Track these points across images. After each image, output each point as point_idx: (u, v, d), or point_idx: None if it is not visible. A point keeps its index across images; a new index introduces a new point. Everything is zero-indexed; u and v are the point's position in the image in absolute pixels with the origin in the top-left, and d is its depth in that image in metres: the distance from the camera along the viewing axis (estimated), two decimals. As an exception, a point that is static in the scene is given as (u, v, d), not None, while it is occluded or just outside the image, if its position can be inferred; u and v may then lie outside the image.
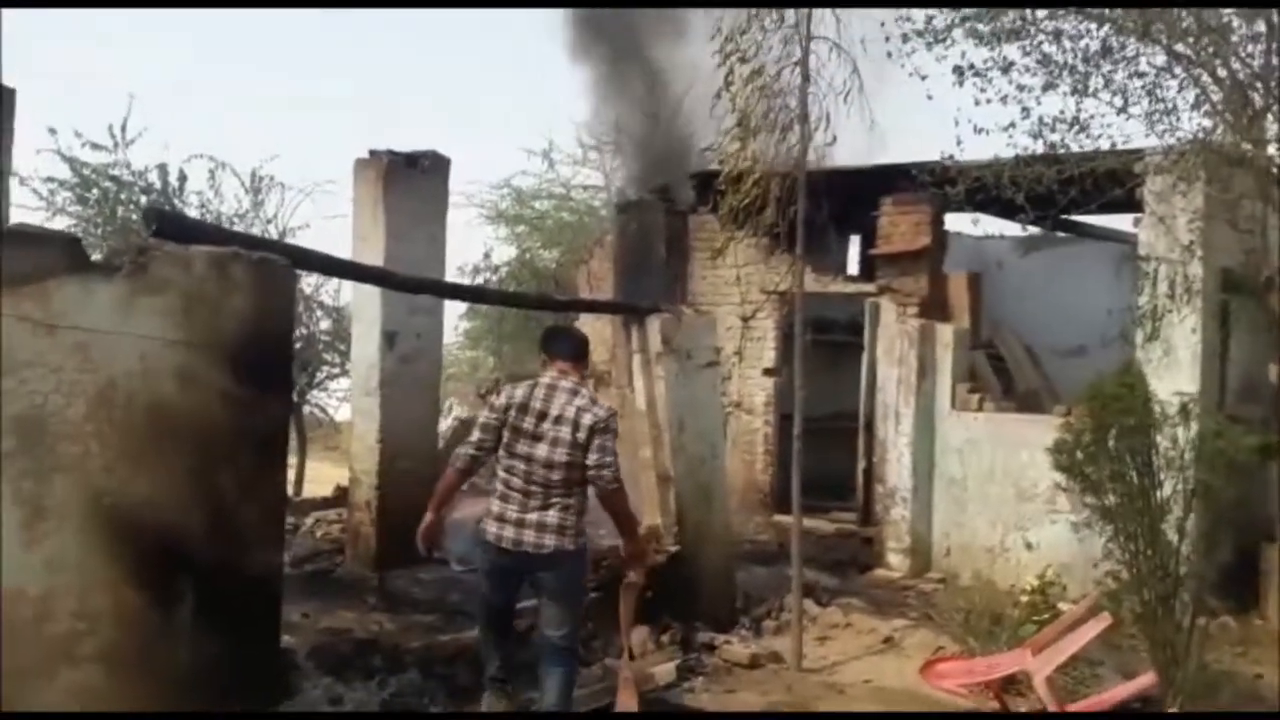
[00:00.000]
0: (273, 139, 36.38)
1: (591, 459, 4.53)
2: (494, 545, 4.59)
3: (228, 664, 4.04)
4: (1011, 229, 11.28)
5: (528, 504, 4.54)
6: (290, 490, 11.62)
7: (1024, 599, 6.36)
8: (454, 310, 14.94)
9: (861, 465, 9.75)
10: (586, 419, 4.55)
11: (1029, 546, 8.32)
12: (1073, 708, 5.38)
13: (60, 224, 10.47)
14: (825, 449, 9.95)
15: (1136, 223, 8.18)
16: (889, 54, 7.28)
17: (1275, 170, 6.90)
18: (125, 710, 3.74)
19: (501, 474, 4.62)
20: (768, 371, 10.80)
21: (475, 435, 4.69)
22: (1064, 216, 8.92)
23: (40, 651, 3.58)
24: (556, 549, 4.54)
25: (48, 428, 3.59)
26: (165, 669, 3.87)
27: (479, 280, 15.45)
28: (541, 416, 4.56)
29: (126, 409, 3.78)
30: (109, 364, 3.73)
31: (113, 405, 3.74)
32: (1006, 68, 6.87)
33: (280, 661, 4.55)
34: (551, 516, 4.54)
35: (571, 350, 4.82)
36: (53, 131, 10.49)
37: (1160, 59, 6.96)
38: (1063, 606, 6.13)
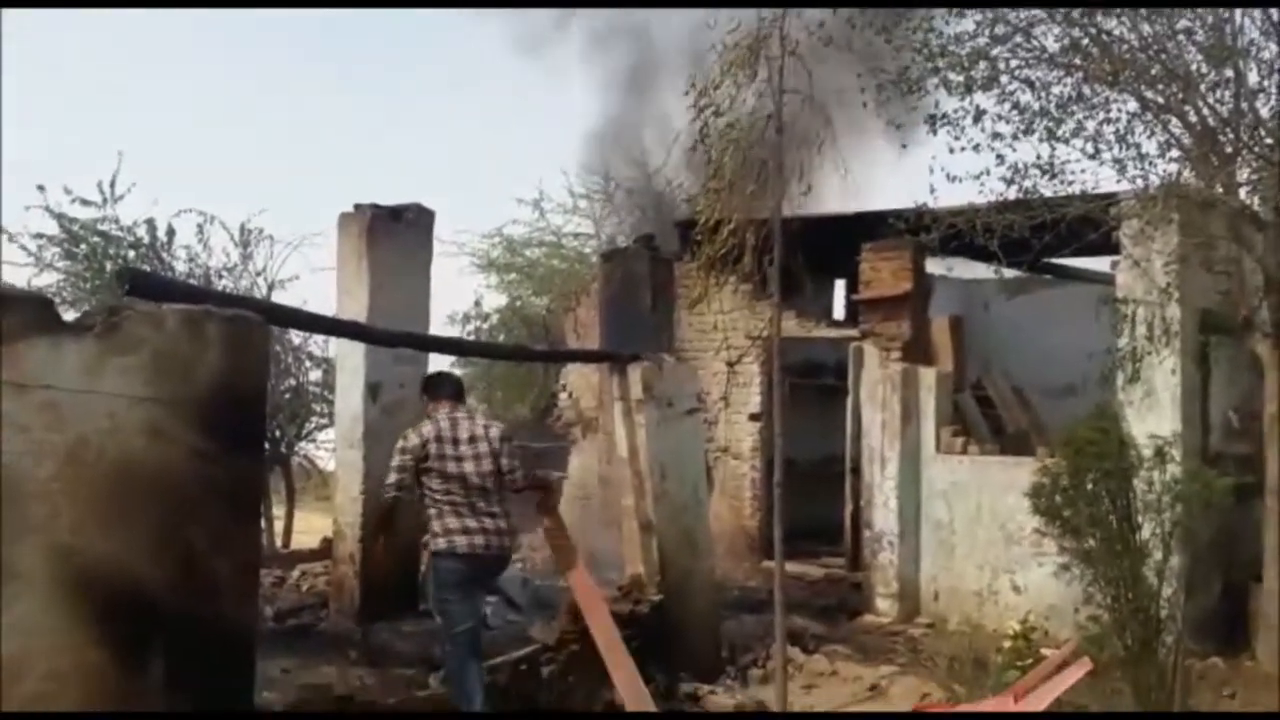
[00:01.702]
0: (263, 191, 36.65)
1: (504, 464, 5.40)
2: (469, 555, 5.23)
3: (200, 723, 4.02)
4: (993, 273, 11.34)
5: (478, 510, 5.29)
6: (279, 542, 11.59)
7: (1007, 644, 6.33)
8: (443, 358, 15.03)
9: (849, 509, 9.75)
10: (494, 432, 5.48)
11: (1017, 589, 8.29)
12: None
13: (48, 279, 10.56)
14: (815, 493, 9.98)
15: (1114, 265, 8.25)
16: (864, 104, 7.40)
17: (1247, 213, 6.99)
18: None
19: (441, 497, 5.27)
20: (753, 417, 10.83)
21: (393, 477, 5.34)
22: (1045, 260, 9.00)
23: (10, 715, 3.56)
24: (510, 550, 5.61)
25: (17, 488, 3.60)
26: (136, 730, 3.86)
27: (469, 328, 15.55)
28: (456, 441, 5.33)
29: (96, 467, 3.79)
30: (79, 423, 3.74)
31: (82, 464, 3.75)
32: (978, 116, 6.98)
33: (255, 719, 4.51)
34: (502, 523, 5.38)
35: (453, 391, 5.70)
36: (41, 188, 10.60)
37: (1131, 105, 7.07)
38: (1046, 651, 6.09)
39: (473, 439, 5.36)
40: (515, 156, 32.74)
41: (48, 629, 3.66)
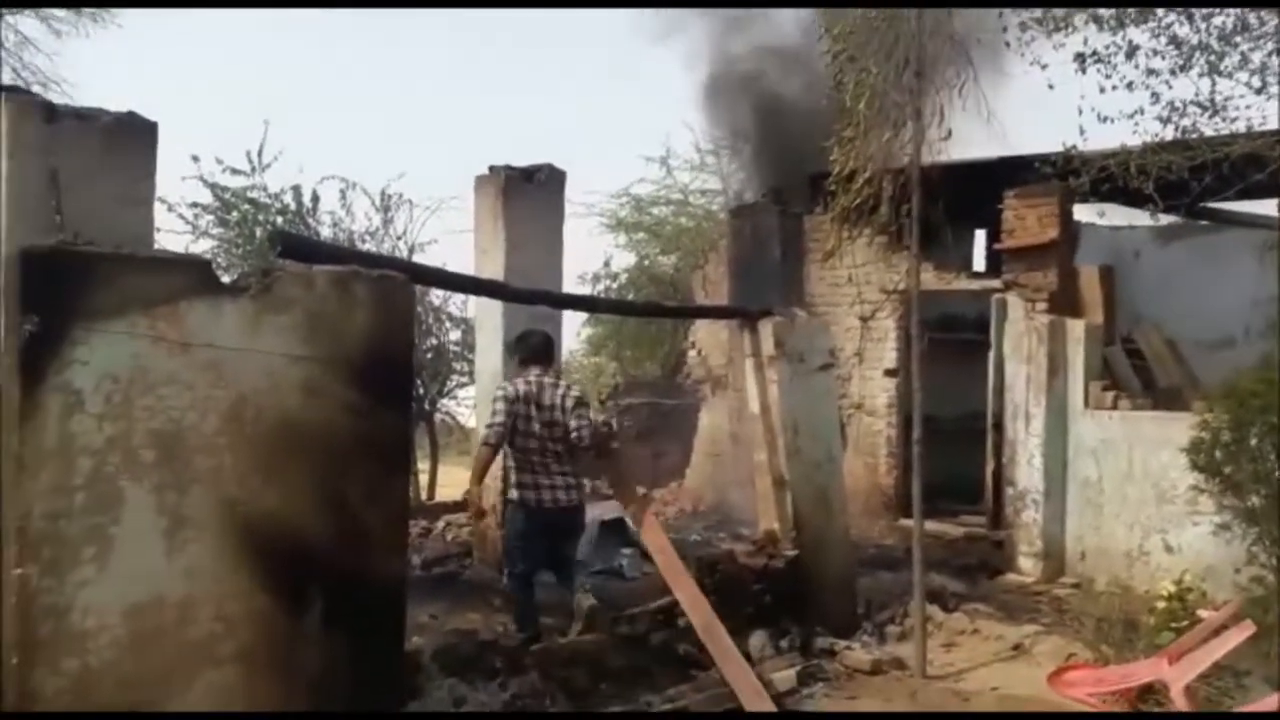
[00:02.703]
0: (401, 156, 37.53)
1: (572, 423, 5.88)
2: (537, 509, 5.88)
3: (355, 666, 4.23)
4: (1150, 218, 10.78)
5: (550, 470, 5.87)
6: (424, 495, 12.00)
7: (1161, 605, 6.07)
8: (575, 318, 15.20)
9: (990, 467, 9.47)
10: (569, 402, 5.93)
11: (1169, 550, 7.93)
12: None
13: (203, 246, 11.04)
14: (954, 451, 9.71)
15: (1280, 207, 7.73)
16: (1007, 44, 7.09)
17: None
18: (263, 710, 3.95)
19: (519, 455, 5.88)
20: (889, 372, 10.60)
21: (499, 420, 5.82)
22: (1202, 204, 8.50)
23: (182, 654, 3.81)
24: (579, 502, 6.06)
25: (184, 442, 3.82)
26: (298, 670, 4.08)
27: (599, 287, 15.66)
28: (539, 406, 5.88)
29: (256, 423, 3.99)
30: (239, 380, 3.95)
31: (243, 419, 3.96)
32: (1131, 52, 6.60)
33: (406, 663, 4.70)
34: (571, 480, 5.96)
35: (537, 351, 6.10)
36: (195, 159, 11.08)
37: (1304, 33, 6.57)
38: (1203, 613, 5.83)
39: (552, 406, 5.89)
40: (643, 114, 32.61)
41: (217, 574, 3.89)
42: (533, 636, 5.77)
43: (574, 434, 5.87)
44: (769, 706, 5.28)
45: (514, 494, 5.95)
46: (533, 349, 6.10)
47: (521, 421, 5.82)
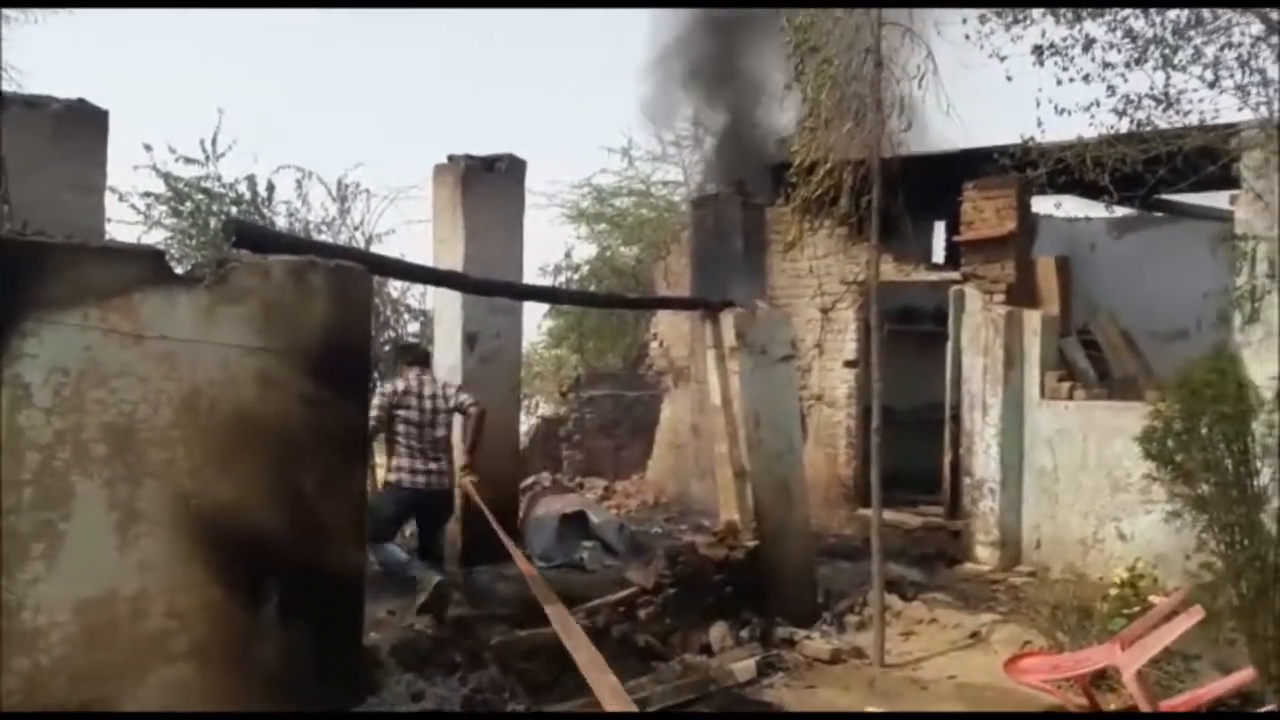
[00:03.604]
0: (358, 146, 37.07)
1: (463, 398, 6.60)
2: (411, 489, 6.48)
3: (312, 660, 4.18)
4: (1105, 210, 10.91)
5: (426, 456, 6.50)
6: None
7: (1114, 592, 6.17)
8: (536, 310, 15.11)
9: (948, 457, 9.58)
10: (450, 389, 6.71)
11: (1123, 538, 8.06)
12: (1166, 705, 5.21)
13: (156, 237, 10.84)
14: (913, 442, 9.81)
15: (1233, 200, 7.85)
16: (966, 36, 7.12)
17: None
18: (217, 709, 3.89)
19: (402, 441, 6.48)
20: (849, 364, 10.67)
21: (374, 413, 6.32)
22: (1157, 196, 8.62)
23: (135, 650, 3.74)
24: (449, 487, 6.68)
25: (137, 435, 3.74)
26: (253, 666, 4.02)
27: (560, 279, 15.60)
28: (420, 397, 6.53)
29: (211, 415, 3.92)
30: (193, 372, 3.88)
31: (197, 411, 3.89)
32: (1088, 45, 6.66)
33: (363, 658, 4.66)
34: (444, 465, 6.58)
35: (420, 359, 6.95)
36: (148, 148, 10.86)
37: (1255, 28, 6.66)
38: (1154, 599, 5.93)
39: (434, 396, 6.57)
40: (607, 106, 32.49)
41: (170, 569, 3.82)
42: (441, 581, 6.12)
43: (467, 406, 6.56)
44: (630, 707, 4.87)
45: (392, 475, 6.53)
46: (420, 356, 7.00)
47: (401, 411, 6.45)
